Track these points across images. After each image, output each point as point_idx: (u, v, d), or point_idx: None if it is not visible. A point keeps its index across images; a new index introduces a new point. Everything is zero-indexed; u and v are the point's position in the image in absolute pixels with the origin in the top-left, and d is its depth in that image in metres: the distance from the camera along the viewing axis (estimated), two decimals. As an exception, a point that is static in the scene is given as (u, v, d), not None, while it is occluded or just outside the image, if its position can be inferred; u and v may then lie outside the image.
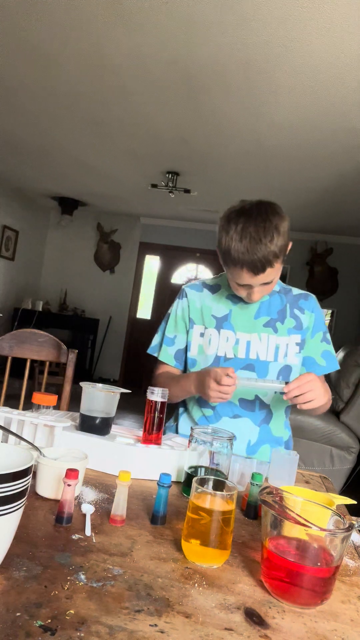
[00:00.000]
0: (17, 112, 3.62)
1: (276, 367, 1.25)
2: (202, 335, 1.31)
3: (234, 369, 1.23)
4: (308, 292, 1.34)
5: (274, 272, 1.13)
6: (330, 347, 1.31)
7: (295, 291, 1.34)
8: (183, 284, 1.40)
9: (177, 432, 1.36)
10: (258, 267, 1.10)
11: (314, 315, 1.30)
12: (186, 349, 1.34)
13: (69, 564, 0.57)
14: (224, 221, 1.15)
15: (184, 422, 1.35)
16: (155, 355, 1.39)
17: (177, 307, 1.36)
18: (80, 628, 0.46)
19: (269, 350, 1.25)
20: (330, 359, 1.30)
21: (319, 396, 1.06)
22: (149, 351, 1.41)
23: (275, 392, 1.26)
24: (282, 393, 1.07)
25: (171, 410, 1.29)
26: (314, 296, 1.34)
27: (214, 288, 1.35)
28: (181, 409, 1.38)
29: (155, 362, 1.40)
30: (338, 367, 1.31)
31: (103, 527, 0.69)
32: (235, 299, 1.30)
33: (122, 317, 6.86)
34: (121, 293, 6.86)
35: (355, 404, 3.29)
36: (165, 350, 1.35)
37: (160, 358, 1.36)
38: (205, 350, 1.29)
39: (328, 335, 1.32)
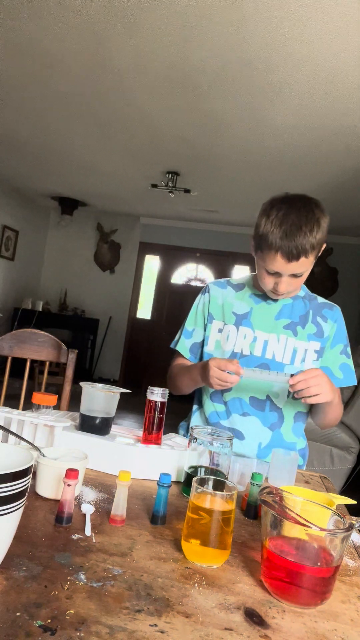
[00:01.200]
0: (17, 112, 3.62)
1: (291, 370, 1.23)
2: (220, 331, 1.31)
3: (249, 366, 1.22)
4: (334, 303, 1.33)
5: (306, 265, 1.14)
6: (350, 361, 1.29)
7: (320, 300, 1.34)
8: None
9: (188, 430, 1.36)
10: (293, 254, 1.09)
11: (337, 325, 1.29)
12: (203, 344, 1.35)
13: (69, 564, 0.57)
14: (266, 206, 1.16)
15: (196, 420, 1.35)
16: (173, 346, 1.40)
17: (199, 302, 1.38)
18: (80, 628, 0.46)
19: (286, 352, 1.25)
20: (348, 372, 1.28)
21: (326, 391, 1.04)
22: (171, 346, 1.42)
23: (288, 397, 1.25)
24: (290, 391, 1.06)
25: (182, 410, 1.30)
26: (339, 307, 1.33)
27: (238, 287, 1.35)
28: (195, 407, 1.38)
29: (173, 354, 1.41)
30: (355, 383, 1.28)
31: (103, 527, 0.69)
32: (258, 298, 1.30)
33: (122, 317, 6.86)
34: (121, 293, 6.86)
35: (355, 404, 3.29)
36: (182, 342, 1.37)
37: (177, 348, 1.37)
38: (222, 346, 1.29)
39: (349, 349, 1.30)
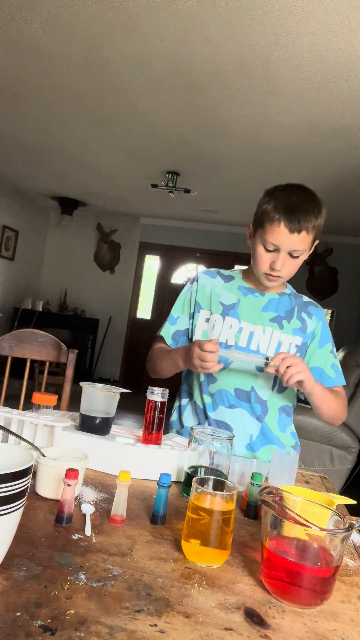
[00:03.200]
0: (17, 112, 3.62)
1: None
2: (207, 320, 1.32)
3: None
4: (317, 303, 1.37)
5: (304, 243, 1.15)
6: (337, 362, 1.32)
7: (306, 298, 1.36)
8: (183, 284, 1.43)
9: (181, 425, 1.35)
10: (295, 225, 1.12)
11: (321, 323, 1.31)
12: (188, 333, 1.35)
13: (69, 564, 0.57)
14: (269, 190, 1.20)
15: (187, 414, 1.35)
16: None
17: (187, 290, 1.38)
18: (80, 628, 0.46)
19: (271, 344, 1.26)
20: (338, 372, 1.31)
21: (304, 370, 1.07)
22: (157, 332, 1.42)
23: (273, 389, 1.27)
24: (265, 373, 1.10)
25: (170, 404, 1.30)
26: (322, 308, 1.37)
27: (227, 278, 1.36)
28: (185, 400, 1.38)
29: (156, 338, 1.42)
30: (344, 383, 1.31)
31: (103, 527, 0.69)
32: (246, 291, 1.31)
33: (122, 317, 6.86)
34: (121, 293, 6.86)
35: (356, 404, 3.29)
36: (166, 328, 1.37)
37: (160, 333, 1.38)
38: (208, 335, 1.30)
39: (335, 350, 1.33)
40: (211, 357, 1.07)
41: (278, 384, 1.27)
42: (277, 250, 1.17)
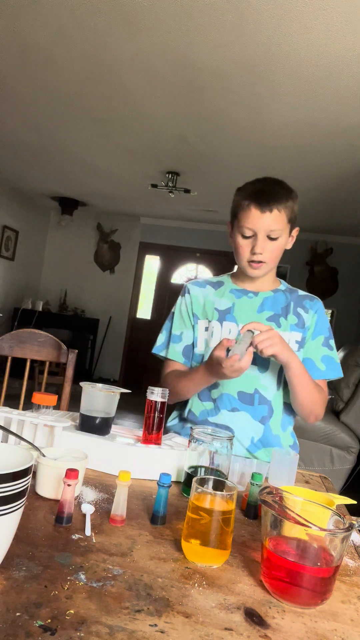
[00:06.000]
0: (17, 112, 3.62)
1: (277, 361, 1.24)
2: (206, 329, 1.31)
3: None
4: (315, 296, 1.35)
5: (278, 222, 1.17)
6: (334, 354, 1.29)
7: (301, 292, 1.35)
8: (184, 283, 1.41)
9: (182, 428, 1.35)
10: (264, 205, 1.15)
11: (317, 316, 1.30)
12: (193, 345, 1.34)
13: (69, 564, 0.57)
14: (240, 186, 1.26)
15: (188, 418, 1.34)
16: (162, 354, 1.38)
17: (181, 304, 1.37)
18: (80, 628, 0.46)
19: None
20: (332, 365, 1.28)
21: (277, 343, 1.08)
22: (153, 351, 1.40)
23: (278, 389, 1.26)
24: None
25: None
26: (320, 300, 1.34)
27: (217, 284, 1.36)
28: (188, 406, 1.35)
29: (163, 361, 1.39)
30: (341, 375, 1.30)
31: (103, 527, 0.69)
32: (239, 293, 1.31)
33: (122, 317, 6.86)
34: (121, 293, 6.86)
35: (355, 404, 3.29)
36: (173, 348, 1.35)
37: (169, 356, 1.35)
38: (209, 344, 1.29)
39: (332, 342, 1.31)
40: (236, 358, 1.04)
41: (282, 381, 1.26)
42: (254, 235, 1.19)
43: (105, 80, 2.96)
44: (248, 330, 1.07)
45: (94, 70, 2.85)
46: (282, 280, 1.37)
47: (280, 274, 6.35)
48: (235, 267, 1.36)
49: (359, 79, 2.53)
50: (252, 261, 1.22)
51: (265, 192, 1.17)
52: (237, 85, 2.78)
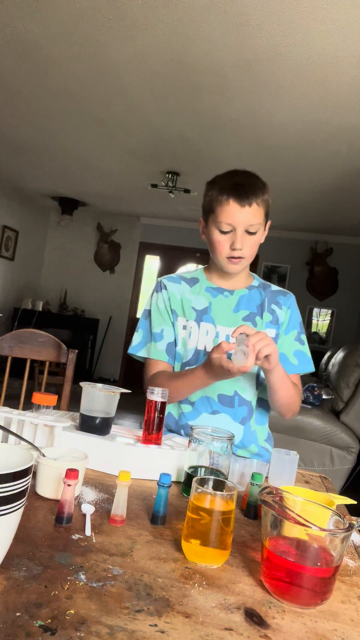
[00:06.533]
0: (17, 112, 3.62)
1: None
2: (184, 327, 1.28)
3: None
4: (287, 290, 1.34)
5: (258, 217, 1.16)
6: (305, 348, 1.30)
7: (274, 287, 1.34)
8: (158, 279, 1.36)
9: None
10: (244, 199, 1.13)
11: (290, 311, 1.30)
12: (175, 343, 1.30)
13: (69, 564, 0.57)
14: (210, 180, 1.24)
15: (170, 422, 1.31)
16: (141, 354, 1.30)
17: (157, 300, 1.31)
18: (80, 628, 0.46)
19: None
20: (304, 359, 1.29)
21: (270, 343, 1.03)
22: (129, 351, 1.33)
23: (257, 387, 1.26)
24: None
25: None
26: (293, 295, 1.34)
27: (191, 281, 1.32)
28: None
29: (143, 362, 1.34)
30: (313, 369, 1.30)
31: (103, 527, 0.69)
32: (215, 291, 1.29)
33: (122, 317, 6.86)
34: (121, 293, 6.86)
35: (355, 404, 3.29)
36: (155, 347, 1.28)
37: (150, 356, 1.28)
38: (186, 344, 1.27)
39: (304, 337, 1.32)
40: (241, 359, 1.00)
41: (260, 381, 1.27)
42: (232, 230, 1.16)
43: (105, 80, 2.96)
44: (241, 333, 1.06)
45: (93, 70, 2.85)
46: (255, 275, 1.35)
47: (280, 274, 6.36)
48: (209, 262, 1.33)
49: (359, 79, 2.53)
50: (232, 257, 1.19)
51: (244, 185, 1.15)
52: (236, 85, 2.78)
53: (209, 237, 1.22)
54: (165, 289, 1.31)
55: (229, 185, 1.15)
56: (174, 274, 1.36)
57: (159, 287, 1.33)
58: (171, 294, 1.30)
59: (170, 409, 1.30)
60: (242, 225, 1.15)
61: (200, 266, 1.38)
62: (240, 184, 1.15)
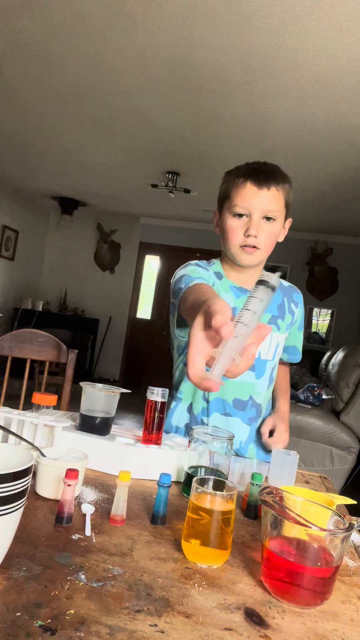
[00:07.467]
0: (17, 112, 3.62)
1: (272, 365, 1.24)
2: None
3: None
4: (292, 284, 1.33)
5: (276, 202, 1.08)
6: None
7: (286, 283, 1.30)
8: (187, 264, 1.16)
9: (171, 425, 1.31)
10: (262, 181, 1.05)
11: (302, 310, 1.33)
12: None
13: (69, 564, 0.57)
14: (230, 170, 1.16)
15: (178, 414, 1.28)
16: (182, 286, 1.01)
17: (202, 272, 1.11)
18: (80, 628, 0.46)
19: (270, 349, 1.22)
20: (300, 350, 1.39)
21: (287, 437, 1.22)
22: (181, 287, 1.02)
23: (268, 387, 1.27)
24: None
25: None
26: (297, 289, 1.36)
27: (218, 275, 1.20)
28: (174, 403, 1.30)
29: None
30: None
31: (103, 527, 0.69)
32: (238, 292, 1.20)
33: (122, 317, 6.86)
34: (121, 293, 6.86)
35: (355, 404, 3.29)
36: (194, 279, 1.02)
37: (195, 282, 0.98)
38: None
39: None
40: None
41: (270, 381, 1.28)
42: (248, 216, 1.08)
43: (105, 80, 2.96)
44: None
45: (93, 71, 2.85)
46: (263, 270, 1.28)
47: (281, 274, 6.36)
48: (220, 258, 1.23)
49: (359, 79, 2.53)
50: (246, 245, 1.09)
51: (263, 169, 1.09)
52: (237, 85, 2.78)
53: (222, 227, 1.14)
54: (208, 268, 1.17)
55: (247, 169, 1.09)
56: (201, 262, 1.20)
57: (203, 263, 1.18)
58: (210, 277, 1.15)
59: (195, 401, 1.25)
60: (259, 210, 1.07)
61: (214, 260, 1.24)
62: (259, 169, 1.09)
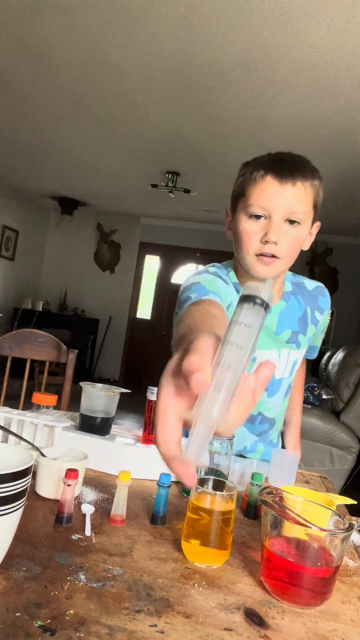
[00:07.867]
0: (18, 112, 3.62)
1: (287, 381, 1.13)
2: None
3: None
4: (320, 284, 1.13)
5: (303, 202, 0.87)
6: None
7: (308, 284, 1.11)
8: (186, 283, 0.97)
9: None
10: (286, 173, 0.85)
11: (327, 313, 1.16)
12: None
13: (68, 564, 0.57)
14: (248, 161, 0.96)
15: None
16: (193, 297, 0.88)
17: (218, 281, 0.96)
18: (80, 628, 0.46)
19: (286, 367, 1.09)
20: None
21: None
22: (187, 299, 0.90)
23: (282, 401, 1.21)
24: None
25: None
26: (325, 288, 1.16)
27: (235, 286, 1.03)
28: None
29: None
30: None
31: (103, 527, 0.69)
32: None
33: (122, 317, 6.86)
34: (121, 293, 6.86)
35: (355, 404, 3.29)
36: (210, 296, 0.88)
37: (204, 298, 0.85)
38: None
39: None
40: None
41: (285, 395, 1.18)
42: (267, 218, 0.89)
43: (105, 80, 2.96)
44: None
45: (94, 71, 2.85)
46: (286, 278, 1.09)
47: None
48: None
49: (359, 79, 2.53)
50: (263, 254, 0.90)
51: (287, 160, 0.88)
52: (237, 85, 2.78)
53: (235, 230, 0.95)
54: (227, 284, 1.00)
55: (268, 160, 0.89)
56: (221, 270, 1.03)
57: (220, 273, 1.02)
58: (225, 295, 0.97)
59: None
60: (281, 211, 0.87)
61: (229, 266, 1.08)
62: (283, 159, 0.89)
